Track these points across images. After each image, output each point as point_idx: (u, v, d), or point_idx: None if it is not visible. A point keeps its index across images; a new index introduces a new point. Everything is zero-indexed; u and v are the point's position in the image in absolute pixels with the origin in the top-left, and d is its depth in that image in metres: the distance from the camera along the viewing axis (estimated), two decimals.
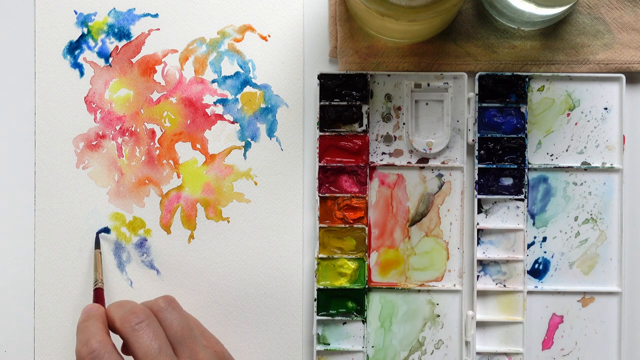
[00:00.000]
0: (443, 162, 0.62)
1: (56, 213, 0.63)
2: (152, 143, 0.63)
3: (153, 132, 0.63)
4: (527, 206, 0.62)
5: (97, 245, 0.62)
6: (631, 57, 0.62)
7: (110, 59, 0.63)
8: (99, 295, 0.58)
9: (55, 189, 0.63)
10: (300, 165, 0.63)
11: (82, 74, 0.63)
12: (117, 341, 0.54)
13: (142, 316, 0.53)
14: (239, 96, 0.63)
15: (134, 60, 0.63)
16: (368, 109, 0.62)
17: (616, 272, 0.62)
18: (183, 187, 0.63)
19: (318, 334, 0.62)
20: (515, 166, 0.62)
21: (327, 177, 0.62)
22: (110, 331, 0.54)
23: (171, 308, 0.55)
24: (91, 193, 0.63)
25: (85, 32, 0.63)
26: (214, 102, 0.63)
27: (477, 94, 0.61)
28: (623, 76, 0.62)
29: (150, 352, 0.52)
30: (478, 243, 0.62)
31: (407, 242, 0.62)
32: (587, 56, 0.62)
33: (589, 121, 0.62)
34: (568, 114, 0.62)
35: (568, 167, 0.62)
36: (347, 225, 0.62)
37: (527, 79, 0.61)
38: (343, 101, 0.62)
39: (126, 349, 0.54)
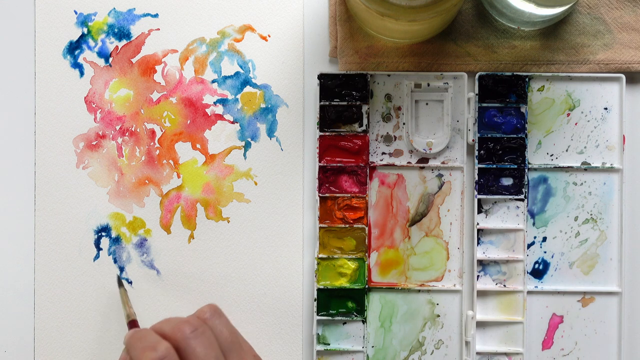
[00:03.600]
0: (443, 162, 0.62)
1: (56, 213, 0.63)
2: (152, 143, 0.63)
3: (153, 132, 0.63)
4: (527, 206, 0.62)
5: (120, 284, 0.62)
6: (631, 57, 0.62)
7: (110, 59, 0.63)
8: (134, 326, 0.58)
9: (55, 189, 0.63)
10: (300, 165, 0.63)
11: (82, 74, 0.63)
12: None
13: (196, 324, 0.52)
14: (239, 96, 0.63)
15: (134, 60, 0.63)
16: (368, 109, 0.62)
17: (616, 272, 0.62)
18: (183, 187, 0.63)
19: (318, 334, 0.62)
20: (515, 166, 0.62)
21: (327, 177, 0.62)
22: None
23: (218, 315, 0.54)
24: (91, 193, 0.63)
25: (85, 32, 0.63)
26: (214, 102, 0.63)
27: (477, 94, 0.61)
28: (623, 76, 0.62)
29: None
30: (478, 243, 0.62)
31: (407, 242, 0.62)
32: (587, 56, 0.62)
33: (589, 121, 0.62)
34: (568, 114, 0.62)
35: (568, 167, 0.62)
36: (347, 225, 0.62)
37: (527, 79, 0.61)
38: (343, 101, 0.62)
39: None
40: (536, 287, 0.62)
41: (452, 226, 0.62)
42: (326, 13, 0.63)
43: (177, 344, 0.51)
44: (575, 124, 0.62)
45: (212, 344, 0.51)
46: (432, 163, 0.62)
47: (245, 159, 0.63)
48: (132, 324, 0.59)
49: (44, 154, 0.63)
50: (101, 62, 0.63)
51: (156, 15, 0.63)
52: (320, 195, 0.62)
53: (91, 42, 0.63)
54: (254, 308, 0.63)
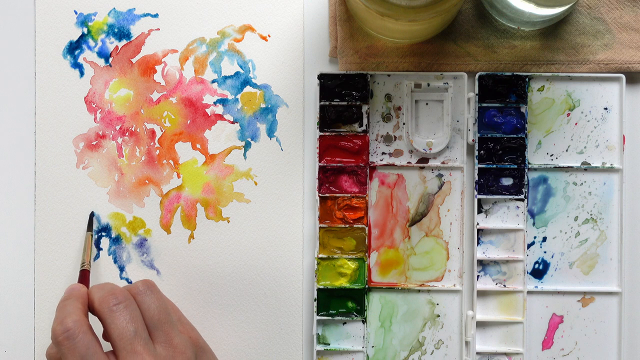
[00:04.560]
0: (443, 162, 0.62)
1: (56, 213, 0.63)
2: (152, 143, 0.63)
3: (153, 132, 0.63)
4: (527, 206, 0.62)
5: (90, 227, 0.62)
6: (631, 57, 0.62)
7: (110, 59, 0.63)
8: (84, 277, 0.58)
9: (55, 189, 0.63)
10: (300, 165, 0.63)
11: (82, 74, 0.63)
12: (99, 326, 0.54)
13: (120, 298, 0.53)
14: (239, 96, 0.63)
15: (134, 60, 0.63)
16: (368, 109, 0.62)
17: (616, 272, 0.62)
18: (183, 187, 0.63)
19: (318, 334, 0.62)
20: (515, 166, 0.62)
21: (327, 177, 0.62)
22: (90, 313, 0.54)
23: (150, 292, 0.55)
24: (91, 193, 0.63)
25: (85, 32, 0.63)
26: (214, 102, 0.63)
27: (477, 94, 0.61)
28: (623, 76, 0.62)
29: (126, 334, 0.52)
30: (478, 243, 0.62)
31: (407, 242, 0.62)
32: (587, 56, 0.62)
33: (589, 121, 0.62)
34: (568, 114, 0.62)
35: (568, 167, 0.62)
36: (347, 225, 0.62)
37: (527, 79, 0.61)
38: (343, 101, 0.62)
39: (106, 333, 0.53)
40: (536, 287, 0.62)
41: (452, 226, 0.62)
42: (326, 13, 0.63)
43: (100, 314, 0.53)
44: (575, 124, 0.62)
45: (134, 318, 0.53)
46: (432, 163, 0.62)
47: (245, 159, 0.63)
48: (82, 274, 0.59)
49: (44, 154, 0.63)
50: (101, 62, 0.63)
51: (156, 15, 0.63)
52: (320, 195, 0.62)
53: (91, 42, 0.63)
54: (254, 308, 0.63)
